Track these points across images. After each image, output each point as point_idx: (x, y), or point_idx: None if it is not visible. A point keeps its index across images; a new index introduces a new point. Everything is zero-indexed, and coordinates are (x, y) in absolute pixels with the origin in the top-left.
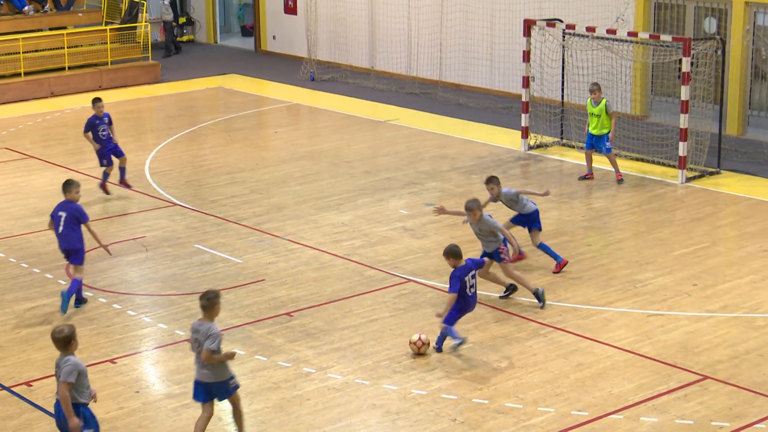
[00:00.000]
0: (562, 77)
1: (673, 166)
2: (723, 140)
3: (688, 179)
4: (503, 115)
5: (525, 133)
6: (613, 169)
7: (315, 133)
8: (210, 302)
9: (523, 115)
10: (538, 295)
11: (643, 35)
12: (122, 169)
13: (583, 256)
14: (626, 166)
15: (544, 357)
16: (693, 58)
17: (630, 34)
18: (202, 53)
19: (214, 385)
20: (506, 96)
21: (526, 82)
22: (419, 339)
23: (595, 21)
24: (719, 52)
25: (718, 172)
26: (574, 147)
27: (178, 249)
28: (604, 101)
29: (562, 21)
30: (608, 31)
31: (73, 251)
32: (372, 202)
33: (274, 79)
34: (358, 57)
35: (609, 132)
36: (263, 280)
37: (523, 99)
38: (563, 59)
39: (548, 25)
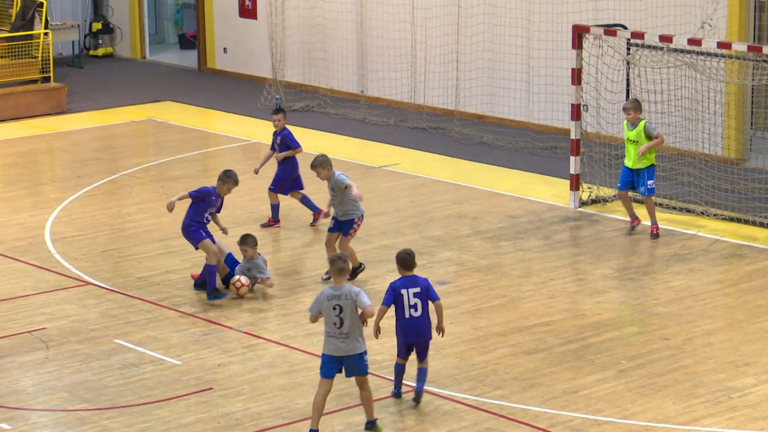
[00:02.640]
0: None
1: None
2: None
3: None
4: (544, 158)
5: (575, 184)
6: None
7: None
8: (346, 263)
9: (572, 159)
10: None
11: (739, 47)
12: None
13: (658, 354)
14: (717, 229)
15: None
16: None
17: (721, 45)
18: (124, 72)
19: (347, 359)
20: (548, 132)
21: (576, 113)
22: (238, 280)
23: (671, 27)
24: None
25: None
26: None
27: (91, 346)
28: (642, 123)
29: (626, 27)
30: (690, 42)
31: None
32: (363, 279)
33: (225, 109)
34: (342, 78)
35: (651, 165)
36: (210, 389)
37: (573, 136)
38: (627, 80)
39: (607, 33)
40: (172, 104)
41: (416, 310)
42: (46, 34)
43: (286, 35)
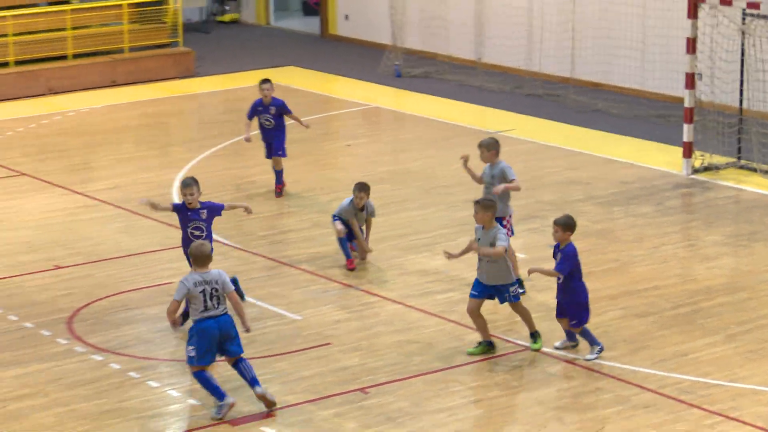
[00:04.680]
0: (741, 75)
1: None
2: None
3: None
4: (658, 125)
5: (688, 151)
6: None
7: (400, 148)
8: (494, 203)
9: (685, 127)
10: None
11: None
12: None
13: (767, 319)
14: None
15: None
16: None
17: None
18: (250, 38)
19: (496, 288)
20: (662, 100)
21: (690, 82)
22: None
23: None
24: None
25: None
26: (756, 170)
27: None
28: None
29: None
30: None
31: None
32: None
33: (346, 74)
34: (459, 45)
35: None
36: (329, 344)
37: (686, 104)
38: (742, 50)
39: (722, 2)
40: (295, 69)
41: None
42: (175, 0)
43: (406, 3)
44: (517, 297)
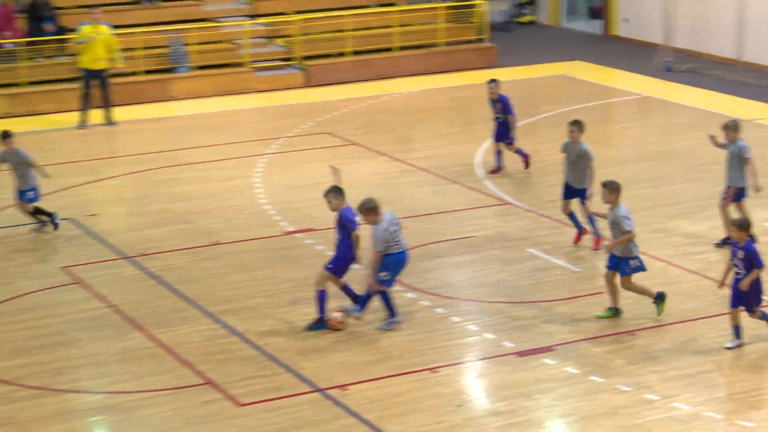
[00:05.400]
0: None
1: None
2: None
3: None
4: None
5: None
6: None
7: (667, 131)
8: (619, 186)
9: None
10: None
11: None
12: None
13: None
14: None
15: None
16: None
17: None
18: (543, 36)
19: (620, 260)
20: None
21: None
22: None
23: None
24: None
25: None
26: None
27: (510, 252)
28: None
29: None
30: None
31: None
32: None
33: (623, 68)
34: (722, 45)
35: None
36: (602, 292)
37: None
38: None
39: None
40: (580, 63)
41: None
42: (483, 4)
43: (677, 7)
44: (627, 272)
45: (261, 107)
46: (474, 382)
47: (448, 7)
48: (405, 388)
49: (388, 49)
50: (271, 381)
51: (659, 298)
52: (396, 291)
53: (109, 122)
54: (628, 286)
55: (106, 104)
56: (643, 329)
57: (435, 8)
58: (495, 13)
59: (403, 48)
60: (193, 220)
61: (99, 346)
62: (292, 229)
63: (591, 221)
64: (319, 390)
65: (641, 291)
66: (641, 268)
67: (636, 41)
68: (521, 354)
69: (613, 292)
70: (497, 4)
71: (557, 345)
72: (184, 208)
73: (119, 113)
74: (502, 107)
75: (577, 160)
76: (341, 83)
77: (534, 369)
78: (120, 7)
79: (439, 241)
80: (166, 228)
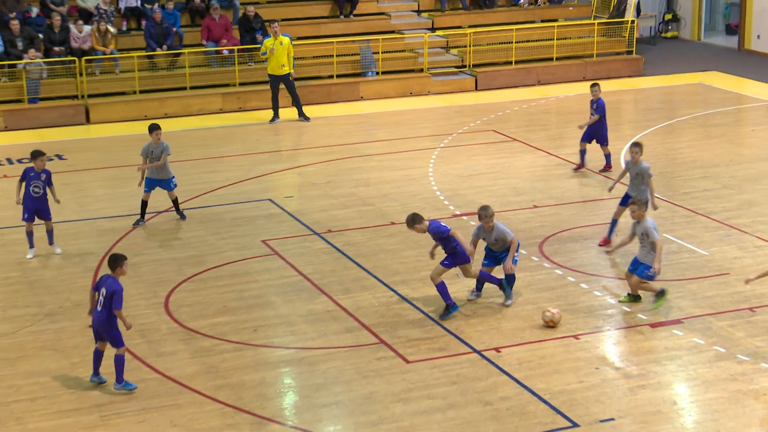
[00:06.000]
0: None
1: None
2: None
3: None
4: None
5: None
6: None
7: None
8: (645, 202)
9: None
10: None
11: None
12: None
13: None
14: None
15: None
16: None
17: None
18: (684, 49)
19: (641, 264)
20: None
21: None
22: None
23: None
24: None
25: None
26: None
27: None
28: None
29: None
30: None
31: None
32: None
33: (755, 78)
34: None
35: None
36: (728, 273)
37: None
38: None
39: None
40: (717, 74)
41: None
42: (632, 21)
43: None
44: (644, 275)
45: (436, 107)
46: (611, 348)
47: (602, 23)
48: (550, 351)
49: (548, 59)
50: (435, 342)
51: (661, 294)
52: (546, 268)
53: (303, 117)
54: (639, 286)
55: (296, 103)
56: (762, 306)
57: (590, 24)
58: (643, 29)
59: (559, 58)
60: (373, 203)
61: (290, 308)
62: (459, 212)
63: (613, 224)
64: (476, 351)
65: (646, 289)
66: (653, 277)
67: (767, 54)
68: (654, 325)
69: (633, 286)
70: (645, 21)
71: (685, 318)
72: (366, 193)
73: (316, 111)
74: (597, 108)
75: (636, 177)
76: (505, 88)
77: (664, 339)
78: (319, 20)
79: (586, 226)
80: (350, 209)
